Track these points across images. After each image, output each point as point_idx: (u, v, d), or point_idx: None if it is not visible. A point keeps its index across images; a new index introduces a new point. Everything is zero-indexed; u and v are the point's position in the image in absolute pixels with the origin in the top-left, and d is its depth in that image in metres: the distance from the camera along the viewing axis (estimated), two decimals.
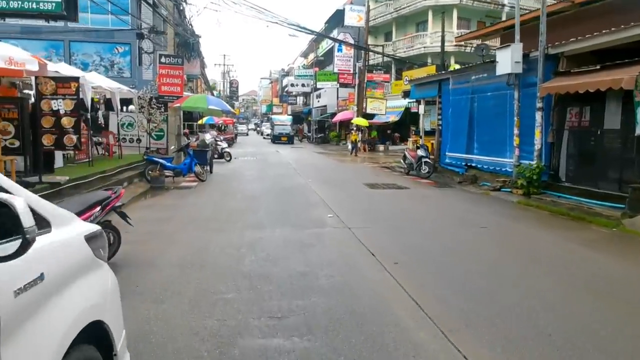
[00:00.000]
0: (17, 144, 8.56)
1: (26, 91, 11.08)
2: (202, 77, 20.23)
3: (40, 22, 32.44)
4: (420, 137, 18.16)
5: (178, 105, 14.83)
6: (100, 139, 14.69)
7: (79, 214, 5.33)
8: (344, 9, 45.36)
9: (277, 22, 18.81)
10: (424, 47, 33.55)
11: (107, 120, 16.28)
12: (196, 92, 31.93)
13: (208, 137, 15.61)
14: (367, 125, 30.42)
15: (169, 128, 16.36)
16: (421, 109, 18.86)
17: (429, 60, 32.35)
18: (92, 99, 14.48)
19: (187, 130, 21.41)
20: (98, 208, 5.49)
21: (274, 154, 26.42)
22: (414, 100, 22.04)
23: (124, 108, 18.18)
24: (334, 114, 41.50)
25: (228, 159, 20.27)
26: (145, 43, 17.65)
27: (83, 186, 9.57)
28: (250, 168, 18.67)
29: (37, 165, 9.25)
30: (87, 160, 11.99)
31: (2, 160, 7.86)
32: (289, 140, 41.63)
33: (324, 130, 45.71)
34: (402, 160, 18.05)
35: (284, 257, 6.14)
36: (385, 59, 32.57)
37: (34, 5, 12.67)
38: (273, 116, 57.49)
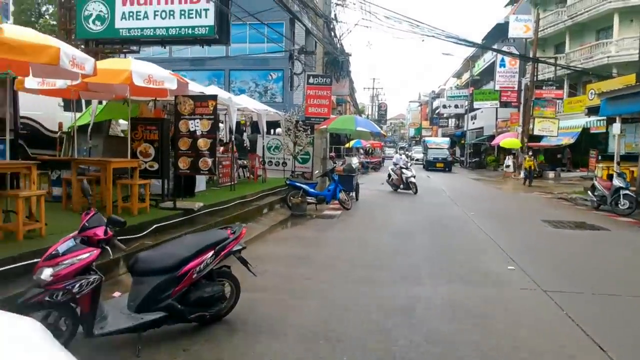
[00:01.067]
0: (156, 166, 8.05)
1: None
2: (350, 99, 19.17)
3: (206, 54, 35.13)
4: (617, 164, 14.43)
5: (325, 127, 13.82)
6: (245, 162, 14.29)
7: (187, 260, 4.10)
8: (504, 22, 41.51)
9: (433, 36, 16.91)
10: (608, 57, 28.32)
11: (255, 144, 15.99)
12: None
13: (355, 161, 14.32)
14: (520, 146, 26.57)
15: (314, 151, 15.46)
16: (616, 127, 15.09)
17: (614, 72, 27.21)
18: (239, 122, 14.23)
19: (333, 154, 20.49)
20: (211, 253, 4.20)
21: (424, 180, 24.21)
22: (604, 117, 18.07)
23: (272, 131, 17.87)
24: (491, 137, 37.67)
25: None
26: (296, 65, 17.23)
27: (218, 213, 8.76)
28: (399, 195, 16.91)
29: (178, 189, 8.75)
30: (230, 184, 11.41)
31: (136, 184, 7.30)
32: (446, 166, 34.34)
33: (479, 155, 41.84)
34: (589, 192, 14.51)
35: (454, 341, 4.15)
36: (558, 72, 28.22)
37: (190, 31, 12.81)
38: (427, 138, 50.97)
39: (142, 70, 6.95)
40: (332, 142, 22.45)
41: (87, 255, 3.57)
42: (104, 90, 8.46)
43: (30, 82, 7.49)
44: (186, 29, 12.60)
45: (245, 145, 15.22)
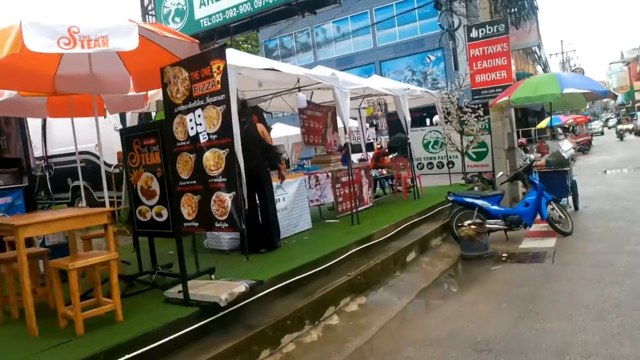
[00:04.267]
0: (164, 214, 4.12)
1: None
2: (538, 54, 12.61)
3: (352, 50, 31.52)
4: None
5: (506, 98, 8.43)
6: (385, 171, 9.68)
7: None
8: None
9: None
10: None
11: (404, 143, 11.23)
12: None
13: (567, 145, 8.44)
14: None
15: (493, 140, 10.07)
16: None
17: None
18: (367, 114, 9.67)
19: (523, 140, 14.44)
20: None
21: None
22: None
23: (428, 121, 12.93)
24: None
25: None
26: (448, 19, 11.97)
27: (305, 285, 4.43)
28: None
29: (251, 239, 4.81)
30: (351, 212, 6.97)
31: (74, 271, 3.46)
32: None
33: None
34: None
35: None
36: None
37: None
38: None
39: (47, 24, 3.10)
40: (518, 122, 16.30)
41: None
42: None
43: None
44: None
45: (379, 146, 10.65)
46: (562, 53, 51.95)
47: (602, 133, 43.35)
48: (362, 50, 31.64)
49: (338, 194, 7.48)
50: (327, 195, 7.37)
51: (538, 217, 7.07)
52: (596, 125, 46.87)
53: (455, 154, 11.04)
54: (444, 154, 11.60)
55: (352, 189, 7.06)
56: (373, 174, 8.96)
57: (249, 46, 41.12)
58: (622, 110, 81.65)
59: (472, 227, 6.34)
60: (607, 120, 72.72)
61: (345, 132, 6.88)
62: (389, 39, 30.17)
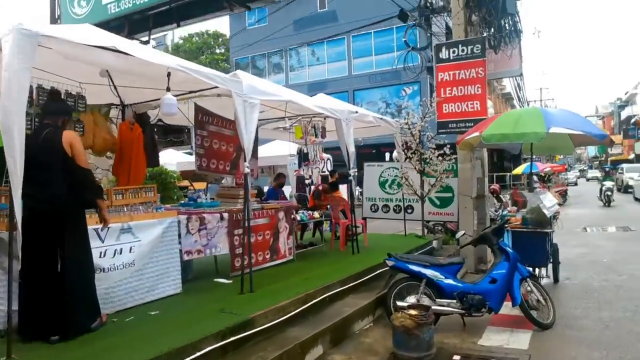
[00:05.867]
0: None
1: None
2: (518, 95, 10.58)
3: (325, 76, 30.03)
4: None
5: (476, 134, 6.52)
6: (316, 214, 7.54)
7: None
8: None
9: None
10: None
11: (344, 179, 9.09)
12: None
13: (550, 200, 6.49)
14: None
15: (459, 186, 8.13)
16: None
17: None
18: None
19: (496, 186, 12.65)
20: None
21: None
22: None
23: (387, 155, 11.09)
24: None
25: None
26: (420, 37, 10.16)
27: None
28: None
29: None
30: (240, 273, 4.80)
31: None
32: None
33: None
34: None
35: None
36: None
37: None
38: None
39: None
40: (492, 165, 14.52)
41: None
42: None
43: None
44: None
45: (307, 181, 8.61)
46: (541, 101, 51.59)
47: (575, 184, 42.47)
48: (337, 77, 30.09)
49: (236, 242, 5.34)
50: (219, 244, 5.21)
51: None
52: (571, 175, 46.16)
53: (414, 197, 9.08)
54: (400, 196, 9.64)
55: (244, 239, 4.88)
56: (299, 217, 6.82)
57: (227, 65, 39.42)
58: (596, 162, 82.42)
59: (412, 313, 4.25)
60: (583, 171, 72.90)
61: (245, 159, 4.77)
62: (365, 68, 28.69)
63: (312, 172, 7.88)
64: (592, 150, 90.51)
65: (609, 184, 20.37)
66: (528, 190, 8.57)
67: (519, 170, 25.04)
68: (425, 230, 10.94)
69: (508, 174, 28.75)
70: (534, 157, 8.73)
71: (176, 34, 47.74)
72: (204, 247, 5.01)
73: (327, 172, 9.45)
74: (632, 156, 52.20)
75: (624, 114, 61.90)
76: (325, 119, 7.44)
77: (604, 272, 7.48)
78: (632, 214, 16.56)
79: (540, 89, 70.81)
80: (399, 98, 26.82)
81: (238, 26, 30.16)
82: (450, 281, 4.97)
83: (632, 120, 47.99)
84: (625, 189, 24.63)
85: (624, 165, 28.61)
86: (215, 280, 5.23)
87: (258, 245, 5.70)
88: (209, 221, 5.05)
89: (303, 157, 8.01)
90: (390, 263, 5.13)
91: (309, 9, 29.13)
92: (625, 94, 66.86)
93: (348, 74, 29.91)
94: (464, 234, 6.30)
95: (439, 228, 10.77)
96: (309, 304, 4.55)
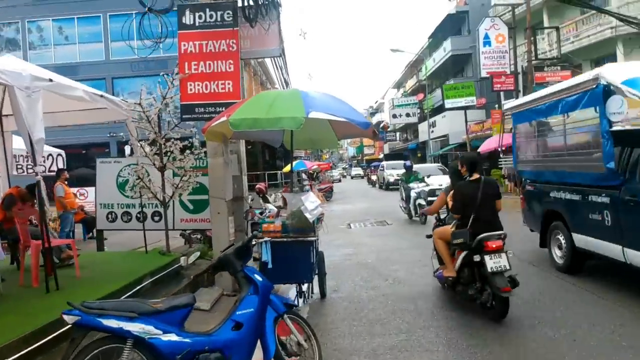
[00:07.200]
0: None
1: None
2: (284, 69, 9.80)
3: (76, 59, 25.16)
4: None
5: (224, 119, 4.92)
6: None
7: None
8: (457, 12, 34.97)
9: None
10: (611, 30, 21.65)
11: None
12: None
13: (312, 201, 5.30)
14: None
15: (210, 186, 6.43)
16: None
17: (620, 49, 20.81)
18: None
19: (262, 185, 11.50)
20: None
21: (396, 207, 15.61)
22: None
23: (125, 149, 8.87)
24: (461, 145, 30.30)
25: None
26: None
27: None
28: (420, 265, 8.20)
29: None
30: None
31: None
32: None
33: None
34: None
35: None
36: (563, 50, 20.98)
37: None
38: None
39: None
40: (264, 162, 13.48)
41: None
42: None
43: None
44: None
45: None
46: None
47: (340, 181, 46.38)
48: (91, 61, 25.63)
49: None
50: None
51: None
52: (336, 173, 50.29)
53: (156, 202, 7.07)
54: (139, 200, 7.51)
55: None
56: None
57: None
58: (354, 161, 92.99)
59: None
60: (347, 168, 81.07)
61: None
62: (126, 53, 25.00)
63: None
64: (351, 150, 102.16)
65: (416, 188, 12.74)
66: (290, 190, 7.44)
67: (287, 168, 25.19)
68: (184, 241, 9.09)
69: (279, 172, 28.93)
70: (303, 156, 7.83)
71: None
72: None
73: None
74: (381, 155, 60.24)
75: (375, 120, 71.03)
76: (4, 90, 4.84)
77: (370, 278, 6.79)
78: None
79: (309, 74, 75.78)
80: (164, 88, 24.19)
81: None
82: (171, 337, 3.16)
83: (381, 125, 54.96)
84: (387, 185, 26.28)
85: (384, 163, 30.91)
86: None
87: None
88: None
89: None
90: (71, 319, 3.04)
91: None
92: (375, 102, 77.22)
93: (105, 59, 25.79)
94: (186, 258, 4.59)
95: (198, 237, 9.03)
96: None
